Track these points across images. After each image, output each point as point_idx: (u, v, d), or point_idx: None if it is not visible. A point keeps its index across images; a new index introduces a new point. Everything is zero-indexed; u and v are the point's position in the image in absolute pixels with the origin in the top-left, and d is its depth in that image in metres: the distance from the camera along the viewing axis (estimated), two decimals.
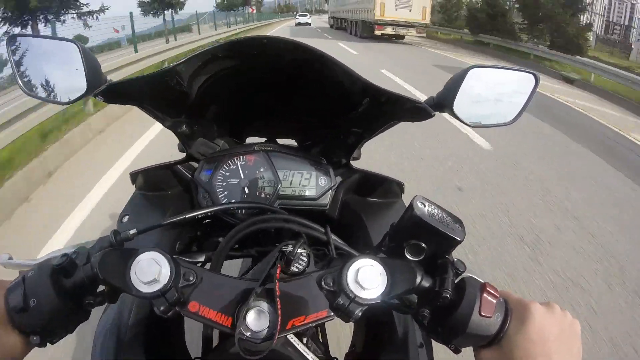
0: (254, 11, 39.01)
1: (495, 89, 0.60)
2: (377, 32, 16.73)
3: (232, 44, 0.54)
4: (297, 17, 39.32)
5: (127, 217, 0.68)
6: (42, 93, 0.66)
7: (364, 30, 17.78)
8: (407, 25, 16.75)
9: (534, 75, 0.61)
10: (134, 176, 0.74)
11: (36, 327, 0.42)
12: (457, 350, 0.46)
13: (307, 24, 34.43)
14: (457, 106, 0.56)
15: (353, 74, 0.54)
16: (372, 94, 0.57)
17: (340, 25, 24.18)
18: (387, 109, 0.60)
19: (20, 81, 0.67)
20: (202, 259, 0.64)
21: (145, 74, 0.54)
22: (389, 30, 16.76)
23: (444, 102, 0.57)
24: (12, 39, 0.67)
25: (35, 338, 0.43)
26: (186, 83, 0.58)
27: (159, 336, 0.57)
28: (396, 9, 16.27)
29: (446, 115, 0.58)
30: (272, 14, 60.96)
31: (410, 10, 16.43)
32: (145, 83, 0.56)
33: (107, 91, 0.55)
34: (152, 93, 0.59)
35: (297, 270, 0.50)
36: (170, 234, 0.64)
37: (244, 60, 0.58)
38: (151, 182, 0.75)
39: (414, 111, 0.57)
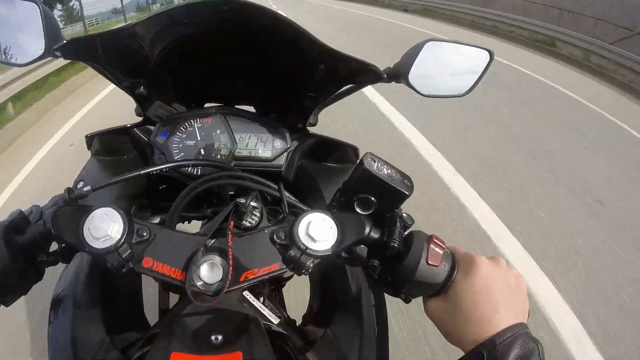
0: None
1: (450, 63, 0.63)
2: None
3: (189, 6, 0.54)
4: None
5: (81, 182, 0.67)
6: None
7: None
8: None
9: (489, 51, 0.64)
10: (89, 140, 0.73)
11: None
12: (407, 300, 0.48)
13: None
14: (412, 77, 0.59)
15: (310, 36, 0.55)
16: (327, 57, 0.58)
17: None
18: (340, 72, 0.62)
19: None
20: (156, 220, 0.65)
21: (106, 30, 0.54)
22: None
23: (399, 72, 0.59)
24: None
25: None
26: (147, 47, 0.58)
27: (115, 295, 0.58)
28: None
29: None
30: None
31: None
32: (105, 40, 0.55)
33: (66, 47, 0.54)
34: (112, 53, 0.59)
35: (250, 225, 0.51)
36: (126, 198, 0.64)
37: (203, 25, 0.58)
38: (107, 146, 0.74)
39: (366, 73, 0.58)
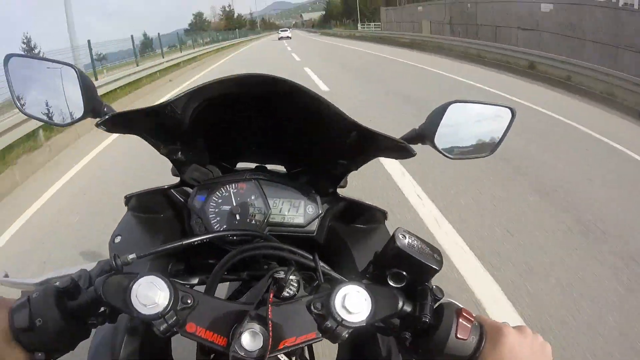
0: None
1: (474, 122, 0.64)
2: None
3: (226, 81, 0.57)
4: (280, 32, 45.81)
5: (119, 237, 0.70)
6: (37, 113, 0.67)
7: None
8: None
9: (511, 109, 0.65)
10: (128, 199, 0.76)
11: (41, 346, 0.45)
12: None
13: (288, 37, 39.41)
14: (437, 139, 0.60)
15: (341, 114, 0.58)
16: (359, 133, 0.61)
17: None
18: (372, 146, 0.64)
19: (16, 100, 0.68)
20: (195, 281, 0.66)
21: (145, 107, 0.57)
22: None
23: (425, 135, 0.61)
24: (8, 58, 0.69)
25: (40, 354, 0.45)
26: (180, 111, 0.60)
27: (152, 354, 0.59)
28: None
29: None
30: (247, 32, 63.64)
31: None
32: (143, 114, 0.59)
33: (108, 122, 0.58)
34: (150, 123, 0.62)
35: (288, 295, 0.53)
36: (163, 256, 0.66)
37: (236, 89, 0.61)
38: (143, 204, 0.77)
39: (398, 149, 0.60)
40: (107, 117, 0.57)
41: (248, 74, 0.56)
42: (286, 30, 44.94)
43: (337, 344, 0.71)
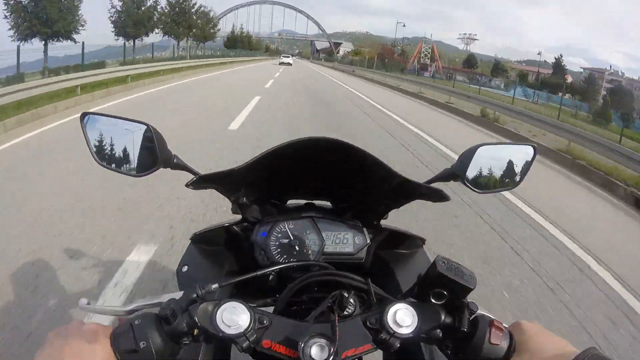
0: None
1: (500, 161, 0.71)
2: None
3: (285, 147, 0.68)
4: (282, 57, 45.79)
5: (186, 267, 0.80)
6: (113, 164, 0.77)
7: None
8: None
9: (533, 146, 0.73)
10: (194, 235, 0.87)
11: None
12: None
13: (289, 63, 39.81)
14: (467, 178, 0.68)
15: (387, 167, 0.68)
16: (403, 183, 0.70)
17: None
18: (411, 191, 0.74)
19: (93, 153, 0.78)
20: (257, 303, 0.75)
21: (224, 170, 0.69)
22: None
23: (457, 173, 0.70)
24: (84, 116, 0.79)
25: None
26: (250, 168, 0.71)
27: None
28: None
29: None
30: (249, 52, 56.82)
31: None
32: (222, 175, 0.70)
33: (195, 182, 0.69)
34: (224, 179, 0.73)
35: (347, 313, 0.62)
36: (227, 277, 0.76)
37: (303, 149, 0.72)
38: (207, 238, 0.88)
39: (435, 194, 0.70)
40: (195, 178, 0.68)
41: (316, 138, 0.67)
42: (288, 57, 44.97)
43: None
